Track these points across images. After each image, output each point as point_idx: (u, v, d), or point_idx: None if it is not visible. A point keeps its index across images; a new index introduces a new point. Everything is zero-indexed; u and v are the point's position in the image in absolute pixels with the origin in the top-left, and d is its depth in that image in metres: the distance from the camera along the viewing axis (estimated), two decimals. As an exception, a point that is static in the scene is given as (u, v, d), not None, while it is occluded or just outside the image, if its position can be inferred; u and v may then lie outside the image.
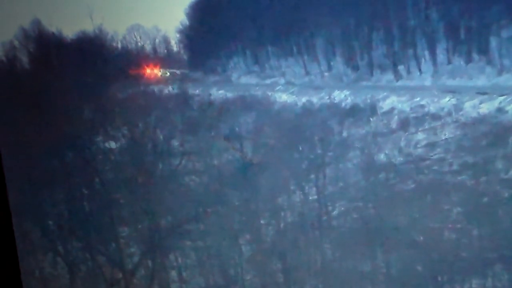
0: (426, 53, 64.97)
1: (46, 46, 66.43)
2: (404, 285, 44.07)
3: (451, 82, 61.15)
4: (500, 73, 58.09)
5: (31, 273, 44.04)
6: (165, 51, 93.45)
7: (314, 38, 75.67)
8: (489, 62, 59.45)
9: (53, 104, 47.93)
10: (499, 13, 58.90)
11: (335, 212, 51.81)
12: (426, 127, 55.17)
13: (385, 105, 60.36)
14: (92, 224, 46.33)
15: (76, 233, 46.54)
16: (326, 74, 74.16)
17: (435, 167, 50.76)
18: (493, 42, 59.74)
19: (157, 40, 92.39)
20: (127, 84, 56.26)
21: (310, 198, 52.18)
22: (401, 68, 66.57)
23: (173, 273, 49.57)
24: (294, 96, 70.42)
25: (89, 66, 55.71)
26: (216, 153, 52.17)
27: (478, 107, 53.36)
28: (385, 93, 62.20)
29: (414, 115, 57.14)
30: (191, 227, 47.79)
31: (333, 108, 60.98)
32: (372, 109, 60.14)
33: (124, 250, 47.13)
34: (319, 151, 52.91)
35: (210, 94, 64.15)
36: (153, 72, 76.78)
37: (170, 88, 64.19)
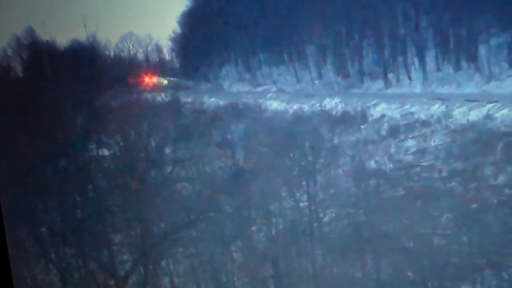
0: (416, 61, 65.63)
1: (39, 54, 66.64)
2: (394, 290, 44.47)
3: (440, 90, 61.75)
4: (488, 80, 58.68)
5: (23, 280, 44.12)
6: (158, 59, 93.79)
7: (305, 46, 76.23)
8: (478, 69, 60.06)
9: (46, 111, 48.14)
10: (487, 22, 59.58)
11: (326, 219, 52.10)
12: (416, 134, 55.63)
13: (376, 112, 60.85)
14: (84, 231, 46.45)
15: (68, 240, 46.64)
16: (317, 82, 74.70)
17: (425, 174, 51.15)
18: (482, 50, 60.38)
19: (149, 48, 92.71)
20: (120, 92, 56.57)
21: (301, 205, 52.41)
22: (391, 75, 67.20)
23: (166, 280, 49.70)
24: (285, 104, 70.87)
25: (83, 74, 55.93)
26: (208, 161, 52.46)
27: (467, 114, 53.84)
28: (375, 101, 62.70)
29: (404, 122, 57.61)
30: (183, 234, 47.99)
31: (324, 116, 61.36)
32: (363, 116, 60.59)
33: (117, 257, 47.30)
34: (310, 158, 53.18)
35: (203, 102, 64.47)
36: (147, 80, 77.08)
37: (162, 96, 64.52)
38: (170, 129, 53.81)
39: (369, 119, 60.27)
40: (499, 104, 52.69)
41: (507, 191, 45.72)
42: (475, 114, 53.13)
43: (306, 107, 66.59)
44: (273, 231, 51.97)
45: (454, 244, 44.66)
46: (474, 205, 45.58)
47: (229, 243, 49.65)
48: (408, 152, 54.22)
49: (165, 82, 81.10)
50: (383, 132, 58.07)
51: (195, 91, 79.55)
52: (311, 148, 53.49)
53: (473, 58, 60.81)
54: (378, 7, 66.43)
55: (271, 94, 76.29)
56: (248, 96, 74.31)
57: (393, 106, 60.64)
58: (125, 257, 48.23)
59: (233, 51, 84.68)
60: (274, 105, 71.58)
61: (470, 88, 59.49)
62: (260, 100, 72.27)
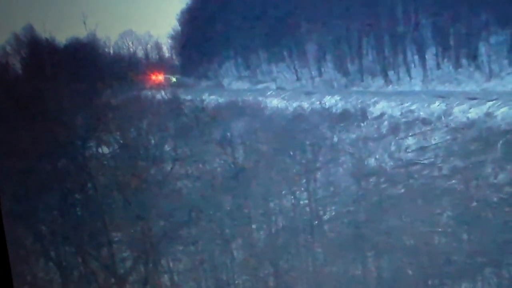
0: (416, 58, 65.60)
1: (39, 52, 66.63)
2: (395, 289, 44.51)
3: (440, 88, 61.77)
4: (488, 78, 58.70)
5: (23, 278, 44.13)
6: (157, 57, 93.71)
7: (305, 44, 76.13)
8: (478, 67, 60.06)
9: (46, 109, 48.07)
10: (487, 20, 59.58)
11: (326, 217, 52.14)
12: (416, 132, 55.61)
13: (376, 110, 60.79)
14: (84, 229, 46.42)
15: (68, 238, 46.62)
16: (317, 79, 74.66)
17: (425, 172, 51.16)
18: (482, 48, 60.39)
19: (149, 46, 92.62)
20: (119, 90, 56.48)
21: (301, 202, 52.48)
22: (391, 73, 67.17)
23: (166, 278, 49.71)
24: (285, 101, 70.78)
25: (82, 71, 55.90)
26: (208, 158, 52.40)
27: (467, 112, 53.84)
28: (375, 98, 62.66)
29: (404, 120, 57.58)
30: (183, 232, 47.99)
31: (324, 113, 61.29)
32: (363, 114, 60.54)
33: (117, 255, 47.27)
34: (310, 156, 53.22)
35: (203, 100, 64.35)
36: (146, 77, 76.96)
37: (162, 93, 64.38)
38: (170, 127, 53.73)
39: (369, 117, 60.23)
40: (499, 102, 52.70)
41: (507, 189, 45.79)
42: (475, 112, 53.13)
43: (306, 105, 66.50)
44: (273, 229, 52.01)
45: (455, 242, 44.74)
46: (474, 203, 45.65)
47: (229, 241, 49.66)
48: (408, 150, 54.19)
49: (173, 79, 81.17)
50: (383, 130, 58.04)
51: (195, 88, 79.56)
52: (311, 145, 53.49)
53: (473, 56, 60.80)
54: (378, 4, 66.38)
55: (271, 91, 76.22)
56: (248, 94, 74.28)
57: (393, 104, 60.61)
58: (125, 255, 48.22)
59: (233, 48, 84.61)
60: (274, 102, 71.51)
61: (470, 86, 59.51)
62: (260, 98, 72.19)
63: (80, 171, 47.22)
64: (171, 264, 50.01)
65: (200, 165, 52.59)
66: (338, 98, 65.92)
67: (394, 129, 57.26)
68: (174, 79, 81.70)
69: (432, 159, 51.95)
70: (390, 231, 45.57)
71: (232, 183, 49.99)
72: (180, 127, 54.10)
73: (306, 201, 52.58)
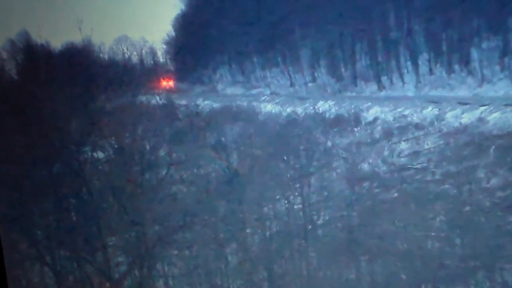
0: (409, 64, 66.02)
1: (34, 58, 66.71)
2: (388, 293, 44.70)
3: (433, 93, 62.22)
4: (481, 83, 59.12)
5: (18, 283, 44.15)
6: (152, 62, 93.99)
7: (298, 49, 76.49)
8: (470, 73, 60.50)
9: (41, 114, 48.15)
10: (479, 26, 60.05)
11: (320, 221, 52.29)
12: (409, 136, 55.95)
13: (369, 115, 61.15)
14: (79, 234, 46.50)
15: (63, 243, 46.67)
16: (310, 84, 75.02)
17: (418, 176, 51.44)
18: (474, 53, 60.84)
19: (144, 51, 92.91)
20: (114, 95, 56.57)
21: (295, 207, 52.60)
22: (384, 79, 67.56)
23: (160, 282, 49.78)
24: (279, 107, 71.09)
25: (77, 77, 55.94)
26: (203, 163, 52.57)
27: (460, 117, 54.21)
28: (368, 104, 63.01)
29: (397, 125, 57.93)
30: (178, 237, 48.08)
31: (318, 118, 61.58)
32: (356, 119, 60.90)
33: (112, 260, 47.33)
34: (304, 161, 53.39)
35: (197, 105, 64.57)
36: (141, 83, 77.03)
37: (157, 98, 64.59)
38: (164, 131, 53.88)
39: (363, 122, 60.58)
40: (491, 107, 53.09)
41: (500, 193, 46.05)
42: (468, 117, 53.49)
43: (299, 110, 66.77)
44: (267, 234, 52.10)
45: (448, 247, 44.91)
46: (467, 208, 45.86)
47: (224, 246, 49.77)
48: (401, 155, 54.50)
49: (168, 84, 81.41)
50: (377, 135, 58.34)
51: (190, 94, 79.86)
52: (304, 150, 53.67)
53: (465, 61, 61.26)
54: (371, 10, 66.78)
55: (265, 96, 76.56)
56: (242, 99, 74.55)
57: (387, 109, 60.95)
58: (120, 259, 48.26)
59: (227, 54, 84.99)
60: (268, 107, 71.81)
61: (463, 91, 59.93)
62: (254, 103, 72.48)
63: (75, 176, 47.29)
64: (166, 269, 50.09)
65: (195, 170, 52.75)
66: (332, 103, 66.27)
67: (387, 134, 57.58)
68: (168, 84, 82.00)
69: (425, 164, 52.25)
70: (383, 236, 45.76)
71: (226, 188, 50.12)
72: (175, 132, 54.24)
73: (300, 206, 52.70)
